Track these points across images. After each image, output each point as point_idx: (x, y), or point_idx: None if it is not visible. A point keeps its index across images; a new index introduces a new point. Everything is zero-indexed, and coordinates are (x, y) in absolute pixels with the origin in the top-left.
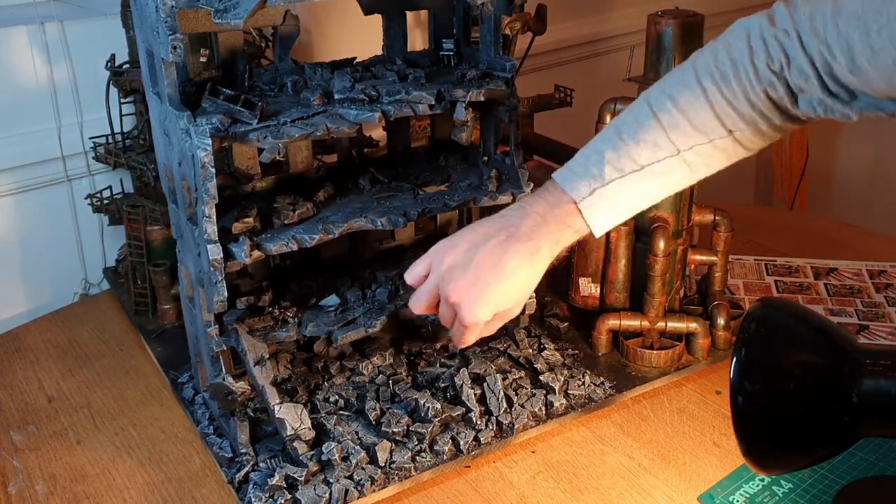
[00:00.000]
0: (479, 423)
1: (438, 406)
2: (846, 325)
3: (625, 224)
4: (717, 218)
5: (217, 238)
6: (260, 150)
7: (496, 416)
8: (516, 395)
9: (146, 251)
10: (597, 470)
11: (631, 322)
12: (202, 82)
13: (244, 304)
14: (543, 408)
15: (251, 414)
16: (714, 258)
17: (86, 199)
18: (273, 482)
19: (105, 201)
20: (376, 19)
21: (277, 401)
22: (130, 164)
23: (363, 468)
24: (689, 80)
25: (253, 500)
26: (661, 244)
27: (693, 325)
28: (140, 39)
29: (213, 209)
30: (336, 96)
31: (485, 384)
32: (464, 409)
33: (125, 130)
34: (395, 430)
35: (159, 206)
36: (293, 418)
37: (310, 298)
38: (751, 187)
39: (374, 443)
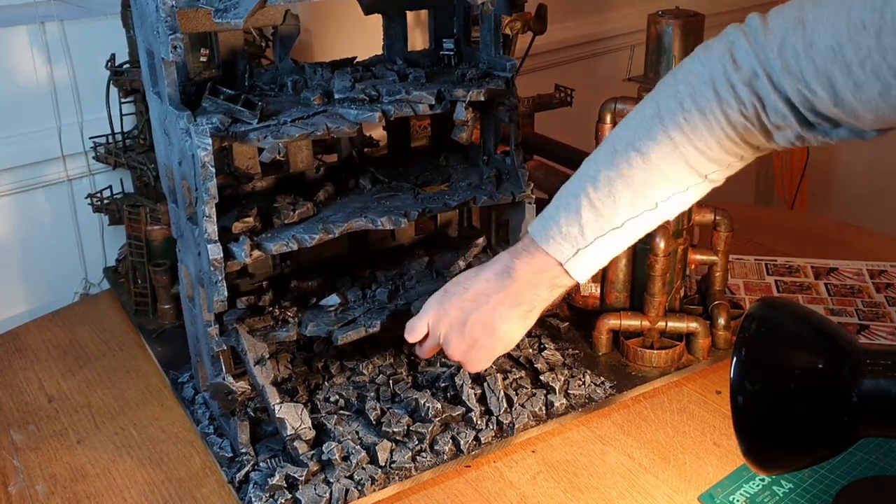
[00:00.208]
0: (479, 422)
1: (439, 406)
2: (846, 325)
3: None
4: (717, 218)
5: (217, 238)
6: (260, 150)
7: (496, 416)
8: (516, 394)
9: (146, 251)
10: (597, 470)
11: (631, 322)
12: (202, 82)
13: (244, 303)
14: (544, 407)
15: (251, 414)
16: (714, 258)
17: (86, 198)
18: (273, 482)
19: (105, 201)
20: (376, 19)
21: (278, 400)
22: (131, 163)
23: (363, 468)
24: (656, 132)
25: (253, 499)
26: (662, 244)
27: (693, 325)
28: (140, 39)
29: (214, 209)
30: (336, 96)
31: (485, 384)
32: (464, 408)
33: (125, 130)
34: (395, 429)
35: (159, 205)
36: (293, 418)
37: (310, 298)
38: (751, 187)
39: (374, 442)
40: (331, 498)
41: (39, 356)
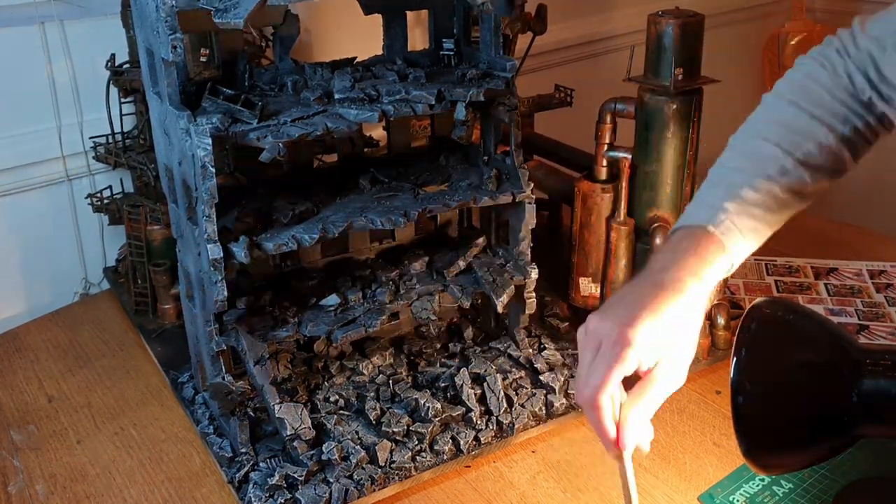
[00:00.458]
0: (479, 422)
1: (438, 406)
2: (846, 325)
3: (625, 224)
4: None
5: (217, 238)
6: (260, 150)
7: (496, 416)
8: (516, 394)
9: (146, 251)
10: (597, 470)
11: None
12: (202, 82)
13: (244, 303)
14: (544, 407)
15: (251, 413)
16: None
17: (86, 198)
18: (273, 482)
19: (105, 201)
20: (376, 19)
21: (277, 400)
22: (130, 163)
23: (363, 468)
24: (776, 103)
25: (253, 499)
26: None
27: None
28: (140, 39)
29: (213, 209)
30: (336, 96)
31: (485, 384)
32: (464, 408)
33: (125, 130)
34: (395, 429)
35: (159, 205)
36: (293, 418)
37: (310, 298)
38: None
39: (374, 442)
40: (330, 498)
41: (39, 356)
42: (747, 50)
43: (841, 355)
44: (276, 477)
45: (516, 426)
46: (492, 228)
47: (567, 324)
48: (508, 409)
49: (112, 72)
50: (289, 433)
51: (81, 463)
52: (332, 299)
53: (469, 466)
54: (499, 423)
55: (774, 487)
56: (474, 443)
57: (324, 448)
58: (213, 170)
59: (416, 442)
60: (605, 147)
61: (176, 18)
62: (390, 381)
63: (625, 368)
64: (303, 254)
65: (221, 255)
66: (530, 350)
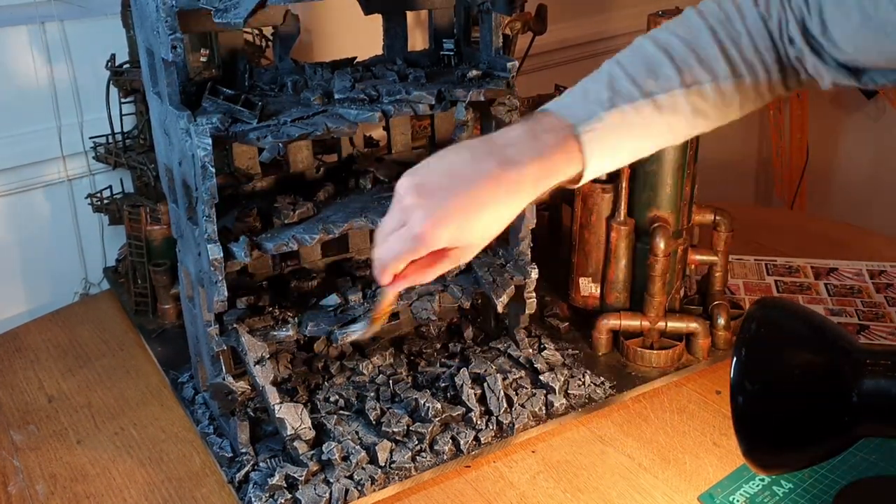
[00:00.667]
0: (479, 422)
1: (438, 406)
2: (846, 325)
3: (625, 224)
4: (717, 218)
5: (217, 238)
6: (260, 150)
7: (496, 416)
8: (516, 394)
9: (146, 251)
10: (597, 470)
11: (631, 322)
12: (202, 82)
13: (244, 303)
14: (544, 408)
15: (251, 414)
16: (714, 258)
17: (86, 198)
18: (273, 482)
19: (105, 201)
20: (376, 19)
21: (278, 400)
22: (131, 163)
23: (363, 468)
24: (693, 21)
25: (253, 499)
26: (662, 244)
27: (693, 325)
28: (140, 39)
29: (213, 209)
30: (336, 96)
31: (485, 384)
32: (464, 408)
33: (125, 130)
34: (395, 429)
35: (159, 205)
36: (293, 418)
37: (310, 298)
38: (751, 187)
39: (374, 442)
40: (331, 498)
41: (39, 356)
42: None
43: (841, 355)
44: (277, 477)
45: (516, 426)
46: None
47: (567, 324)
48: (508, 409)
49: (112, 72)
50: (289, 433)
51: (81, 463)
52: (332, 299)
53: (469, 466)
54: (499, 423)
55: (774, 487)
56: (474, 443)
57: (324, 448)
58: (213, 170)
59: (416, 442)
60: None
61: (176, 18)
62: (390, 381)
63: (417, 256)
64: (303, 254)
65: (222, 255)
66: (530, 350)
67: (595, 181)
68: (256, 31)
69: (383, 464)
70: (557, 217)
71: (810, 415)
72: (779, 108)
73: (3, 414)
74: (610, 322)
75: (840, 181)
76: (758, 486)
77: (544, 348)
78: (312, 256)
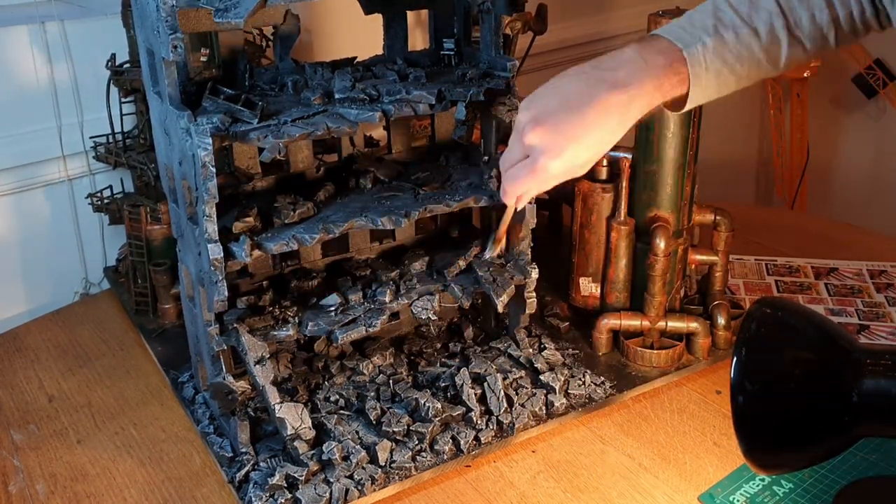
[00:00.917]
0: (479, 422)
1: (439, 406)
2: (846, 325)
3: (625, 224)
4: (717, 218)
5: (217, 237)
6: (260, 150)
7: (496, 416)
8: (517, 394)
9: (146, 250)
10: (597, 470)
11: (631, 322)
12: (202, 82)
13: (244, 303)
14: (544, 407)
15: (251, 413)
16: (714, 258)
17: (86, 198)
18: (273, 482)
19: (105, 201)
20: (376, 19)
21: (278, 400)
22: (131, 163)
23: (363, 468)
24: None
25: (253, 499)
26: (662, 244)
27: (693, 325)
28: (141, 39)
29: (214, 208)
30: (336, 96)
31: (485, 384)
32: (464, 408)
33: (125, 130)
34: (395, 429)
35: (160, 205)
36: (294, 418)
37: (310, 298)
38: (751, 187)
39: (374, 442)
40: (331, 498)
41: (39, 356)
42: None
43: (841, 355)
44: (277, 477)
45: (516, 426)
46: (492, 228)
47: (567, 323)
48: (508, 409)
49: (112, 71)
50: (289, 433)
51: (81, 463)
52: (333, 299)
53: (469, 466)
54: (499, 422)
55: (774, 487)
56: (474, 443)
57: (324, 448)
58: (214, 169)
59: (417, 442)
60: None
61: (176, 18)
62: (390, 381)
63: (541, 189)
64: (303, 254)
65: (222, 254)
66: (530, 350)
67: (595, 181)
68: (257, 31)
69: (383, 463)
70: (557, 217)
71: (810, 415)
72: (779, 108)
73: (4, 413)
74: (610, 322)
75: (840, 181)
76: (758, 485)
77: (544, 348)
78: (312, 256)
